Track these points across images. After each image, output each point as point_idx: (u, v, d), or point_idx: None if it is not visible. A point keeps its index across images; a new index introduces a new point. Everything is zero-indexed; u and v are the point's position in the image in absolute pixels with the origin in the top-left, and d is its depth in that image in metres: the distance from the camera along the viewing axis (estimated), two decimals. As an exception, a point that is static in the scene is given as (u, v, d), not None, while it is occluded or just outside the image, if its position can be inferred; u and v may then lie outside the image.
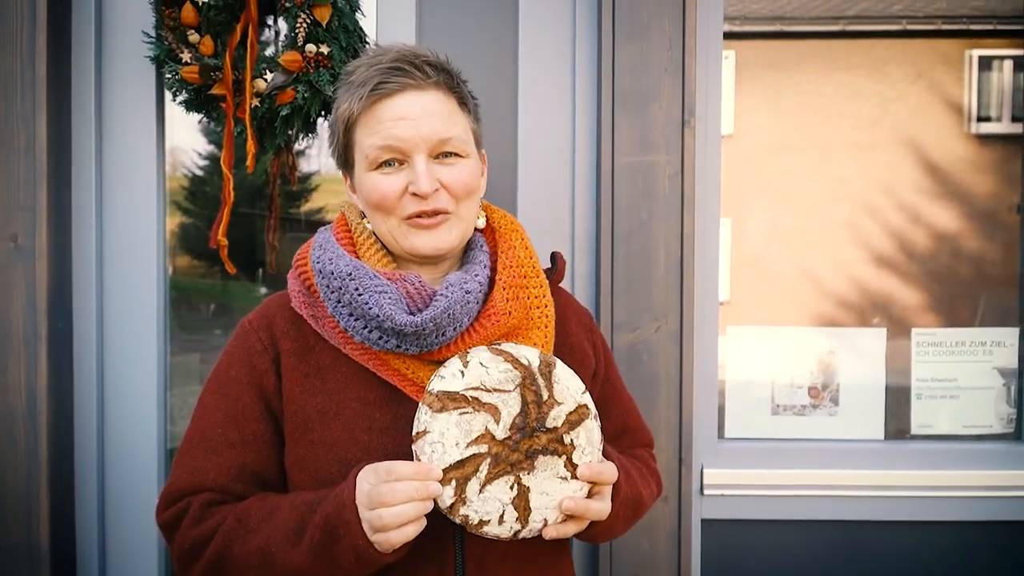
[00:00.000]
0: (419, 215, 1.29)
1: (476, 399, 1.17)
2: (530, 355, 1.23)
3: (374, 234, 1.36)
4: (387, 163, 1.29)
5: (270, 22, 2.01)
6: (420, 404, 1.18)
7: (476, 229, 1.40)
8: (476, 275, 1.31)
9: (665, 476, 1.93)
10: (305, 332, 1.34)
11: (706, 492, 2.03)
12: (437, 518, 1.19)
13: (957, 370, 2.18)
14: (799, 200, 2.27)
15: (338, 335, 1.30)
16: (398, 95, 1.28)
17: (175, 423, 2.14)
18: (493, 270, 1.36)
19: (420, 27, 2.02)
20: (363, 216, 1.39)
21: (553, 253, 1.50)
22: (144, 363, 2.05)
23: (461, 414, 1.16)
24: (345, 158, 1.36)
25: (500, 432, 1.17)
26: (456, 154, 1.31)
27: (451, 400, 1.16)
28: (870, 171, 2.25)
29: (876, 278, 2.25)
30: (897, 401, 2.18)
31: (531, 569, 1.33)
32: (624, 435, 1.53)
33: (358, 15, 1.92)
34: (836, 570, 2.08)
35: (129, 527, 2.04)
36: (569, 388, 1.23)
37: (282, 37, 2.00)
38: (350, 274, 1.26)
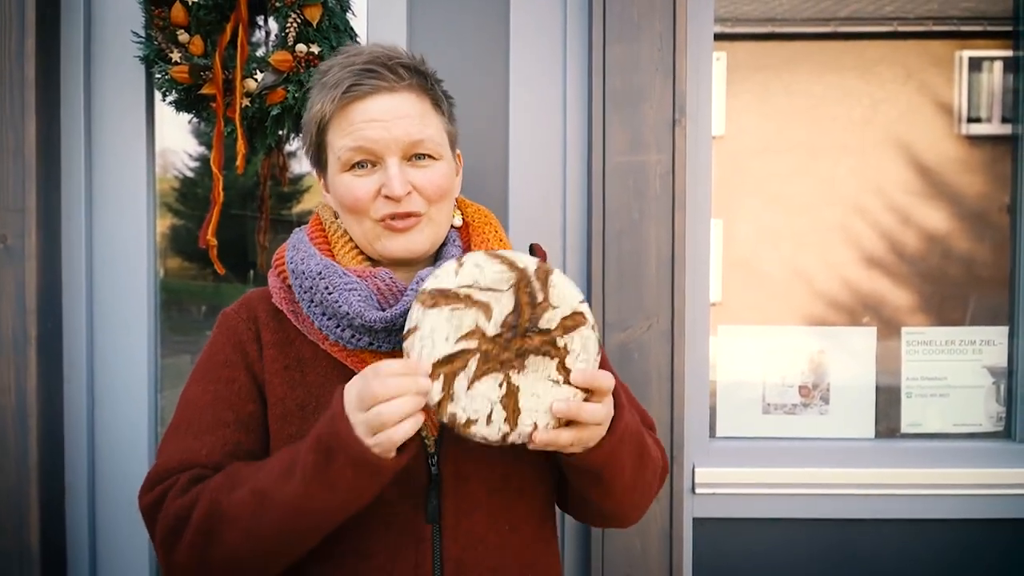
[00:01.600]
0: (392, 217, 1.28)
1: (468, 296, 1.15)
2: (528, 261, 1.20)
3: (348, 233, 1.36)
4: (359, 164, 1.29)
5: (260, 22, 2.01)
6: (413, 303, 1.16)
7: (452, 227, 1.40)
8: None
9: (656, 475, 1.93)
10: (285, 326, 1.33)
11: (698, 491, 2.03)
12: (414, 519, 1.18)
13: (947, 369, 2.19)
14: (790, 201, 2.27)
15: (316, 333, 1.29)
16: (370, 97, 1.27)
17: (166, 425, 2.12)
18: None
19: (411, 26, 2.02)
20: (337, 216, 1.38)
21: (531, 245, 1.48)
22: (134, 365, 2.04)
23: (452, 310, 1.14)
24: (318, 158, 1.36)
25: (491, 328, 1.15)
26: (429, 156, 1.30)
27: (443, 297, 1.14)
28: (861, 172, 2.25)
29: (867, 278, 2.25)
30: (887, 400, 2.18)
31: (514, 569, 1.31)
32: None
33: (349, 15, 1.91)
34: (827, 568, 2.08)
35: (120, 529, 2.03)
36: (565, 294, 1.19)
37: (272, 37, 2.00)
38: (320, 273, 1.26)
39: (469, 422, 1.13)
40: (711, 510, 2.04)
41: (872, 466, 2.06)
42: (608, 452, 1.23)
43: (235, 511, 1.16)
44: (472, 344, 1.14)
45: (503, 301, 1.16)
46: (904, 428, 2.19)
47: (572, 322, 1.19)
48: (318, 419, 1.24)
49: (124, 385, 2.04)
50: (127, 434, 2.04)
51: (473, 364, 1.13)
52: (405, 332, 1.15)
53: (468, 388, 1.13)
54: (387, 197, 1.27)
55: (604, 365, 1.50)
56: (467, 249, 1.37)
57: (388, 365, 1.10)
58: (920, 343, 2.20)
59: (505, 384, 1.14)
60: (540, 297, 1.17)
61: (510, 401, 1.14)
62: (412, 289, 1.25)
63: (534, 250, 1.47)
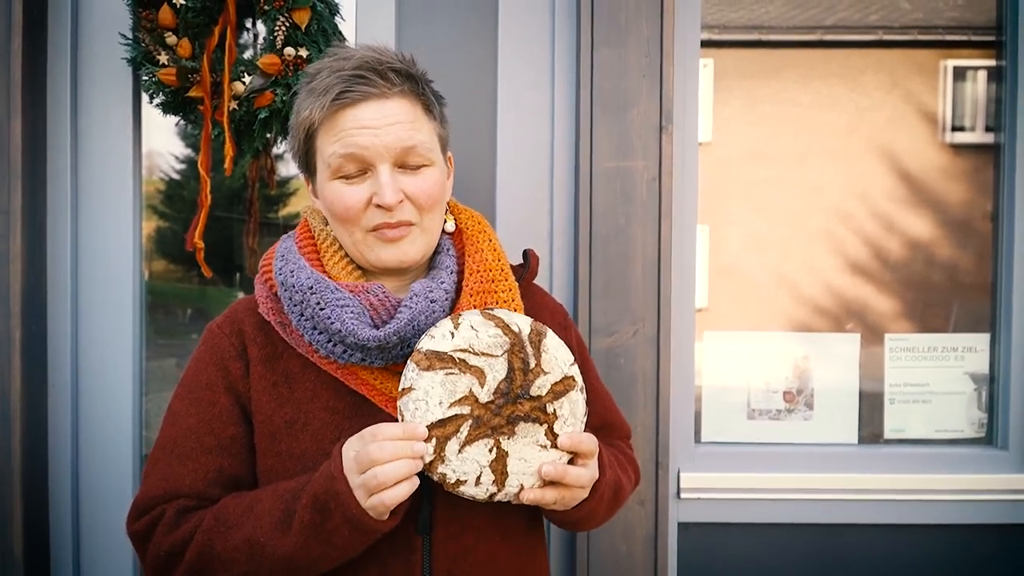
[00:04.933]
0: (383, 227, 1.27)
1: (463, 361, 1.18)
2: (521, 322, 1.23)
3: (338, 241, 1.34)
4: (350, 172, 1.27)
5: (248, 25, 2.01)
6: (408, 361, 1.19)
7: (445, 232, 1.38)
8: (442, 282, 1.29)
9: (642, 479, 1.93)
10: (273, 338, 1.32)
11: (683, 496, 2.03)
12: (405, 530, 1.19)
13: (930, 375, 2.20)
14: (776, 208, 2.28)
15: (305, 345, 1.28)
16: (360, 104, 1.25)
17: (151, 428, 2.12)
18: (461, 274, 1.34)
19: (399, 30, 2.02)
20: (327, 222, 1.36)
21: (525, 251, 1.48)
22: (119, 368, 2.03)
23: (447, 374, 1.17)
24: (306, 163, 1.34)
25: (484, 395, 1.18)
26: (421, 163, 1.29)
27: (438, 360, 1.17)
28: (846, 179, 2.26)
29: (851, 285, 2.26)
30: (871, 405, 2.20)
31: None
32: (602, 430, 1.52)
33: (337, 18, 1.92)
34: (811, 573, 2.09)
35: (103, 533, 2.02)
36: (557, 358, 1.23)
37: (260, 40, 1.99)
38: (311, 287, 1.25)
39: (458, 482, 1.17)
40: (696, 515, 2.05)
41: (855, 471, 2.07)
42: (587, 511, 1.31)
43: (229, 555, 1.19)
44: (465, 410, 1.17)
45: (496, 367, 1.19)
46: (887, 434, 2.20)
47: (562, 387, 1.23)
48: (307, 436, 1.26)
49: (109, 388, 2.03)
50: (111, 438, 2.03)
51: (465, 430, 1.17)
52: (400, 390, 1.18)
53: (459, 451, 1.16)
54: (378, 206, 1.26)
55: (588, 368, 1.51)
56: (461, 257, 1.36)
57: (386, 429, 1.13)
58: (903, 349, 2.21)
59: (495, 449, 1.18)
60: (533, 363, 1.21)
61: (499, 465, 1.18)
62: (406, 305, 1.24)
63: (527, 255, 1.47)
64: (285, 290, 1.27)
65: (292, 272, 1.27)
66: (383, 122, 1.25)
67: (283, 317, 1.30)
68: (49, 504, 2.01)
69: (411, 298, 1.25)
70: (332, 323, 1.22)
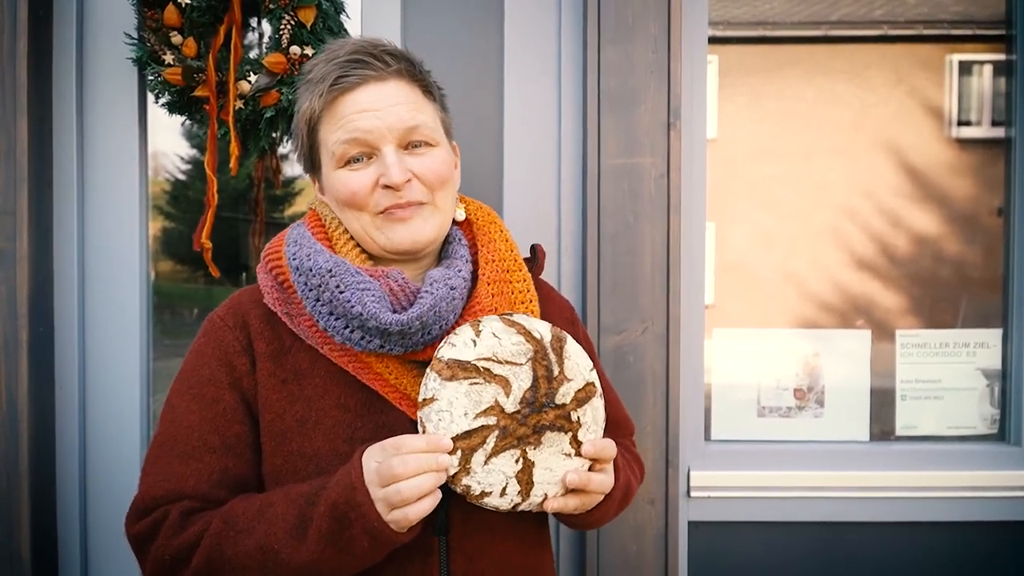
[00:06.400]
0: (393, 207, 1.25)
1: (488, 370, 1.15)
2: (542, 329, 1.21)
3: (348, 230, 1.32)
4: (355, 159, 1.25)
5: (254, 24, 2.00)
6: (428, 370, 1.16)
7: (455, 222, 1.37)
8: (459, 270, 1.27)
9: (652, 478, 1.92)
10: (280, 332, 1.28)
11: (693, 494, 2.03)
12: (422, 532, 1.18)
13: (941, 371, 2.19)
14: (782, 204, 2.27)
15: (316, 335, 1.25)
16: (359, 88, 1.24)
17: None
18: (474, 264, 1.33)
19: (405, 28, 2.02)
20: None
21: (533, 245, 1.47)
22: (127, 368, 2.03)
23: (471, 384, 1.14)
24: (311, 160, 1.32)
25: (510, 405, 1.15)
26: (426, 143, 1.27)
27: (462, 369, 1.14)
28: (852, 175, 2.26)
29: (860, 281, 2.25)
30: (882, 402, 2.19)
31: None
32: (609, 428, 1.51)
33: (343, 17, 1.91)
34: (822, 571, 2.08)
35: (111, 534, 2.02)
36: (579, 365, 1.22)
37: (266, 39, 1.99)
38: (330, 271, 1.21)
39: (483, 494, 1.15)
40: (706, 514, 2.04)
41: (867, 469, 2.06)
42: (599, 514, 1.31)
43: (240, 561, 1.16)
44: (491, 420, 1.14)
45: (521, 376, 1.17)
46: (899, 431, 2.19)
47: (584, 394, 1.22)
48: (319, 435, 1.23)
49: (115, 389, 2.03)
50: (118, 438, 2.03)
51: (492, 441, 1.14)
52: (421, 401, 1.15)
53: (485, 463, 1.14)
54: (387, 187, 1.24)
55: (595, 365, 1.49)
56: (473, 248, 1.35)
57: (409, 442, 1.10)
58: (914, 346, 2.20)
59: (521, 460, 1.16)
60: (556, 371, 1.19)
61: (525, 476, 1.16)
62: (427, 291, 1.22)
63: (535, 250, 1.46)
64: (301, 275, 1.24)
65: (309, 256, 1.24)
66: (384, 103, 1.24)
67: (290, 307, 1.27)
68: (56, 505, 2.00)
69: (431, 284, 1.23)
70: (353, 306, 1.19)
